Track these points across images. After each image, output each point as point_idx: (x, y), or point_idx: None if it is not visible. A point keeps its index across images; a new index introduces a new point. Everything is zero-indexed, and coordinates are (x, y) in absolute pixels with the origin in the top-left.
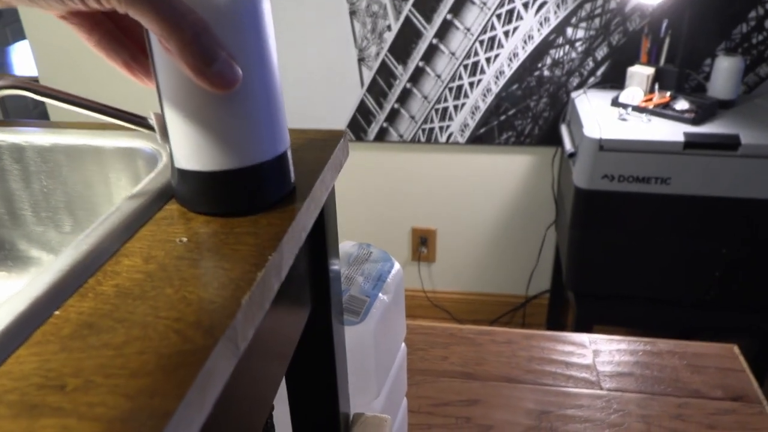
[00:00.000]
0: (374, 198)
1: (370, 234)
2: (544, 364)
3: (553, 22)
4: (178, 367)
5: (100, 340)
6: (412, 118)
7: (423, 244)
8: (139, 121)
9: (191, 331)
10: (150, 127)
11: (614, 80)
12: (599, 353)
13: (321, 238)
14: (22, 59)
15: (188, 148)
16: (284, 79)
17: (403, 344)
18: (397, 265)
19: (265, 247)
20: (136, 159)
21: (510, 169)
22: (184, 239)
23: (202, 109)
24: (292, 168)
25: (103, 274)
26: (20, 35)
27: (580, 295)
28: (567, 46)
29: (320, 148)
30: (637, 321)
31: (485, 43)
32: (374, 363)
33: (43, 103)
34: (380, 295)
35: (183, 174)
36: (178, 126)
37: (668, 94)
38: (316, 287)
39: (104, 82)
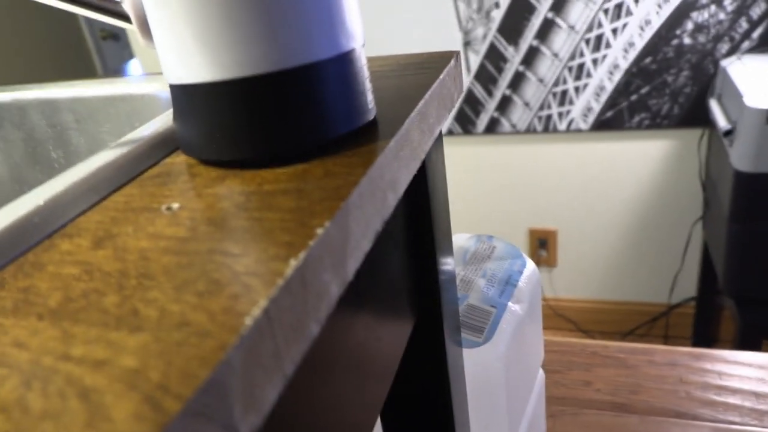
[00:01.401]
0: (486, 197)
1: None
2: (725, 394)
3: None
4: None
5: None
6: (527, 105)
7: (542, 246)
8: (107, 7)
9: (127, 404)
10: (124, 17)
11: None
12: None
13: (425, 214)
14: None
15: (183, 47)
16: None
17: (541, 370)
18: (530, 264)
19: (314, 213)
20: (145, 113)
21: (645, 156)
22: (175, 206)
23: None
24: (368, 85)
25: (17, 268)
26: None
27: (744, 303)
28: (713, 6)
29: (419, 74)
30: None
31: (610, 12)
32: (505, 396)
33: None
34: (511, 304)
35: (179, 94)
36: (164, 10)
37: None
38: (418, 292)
39: None
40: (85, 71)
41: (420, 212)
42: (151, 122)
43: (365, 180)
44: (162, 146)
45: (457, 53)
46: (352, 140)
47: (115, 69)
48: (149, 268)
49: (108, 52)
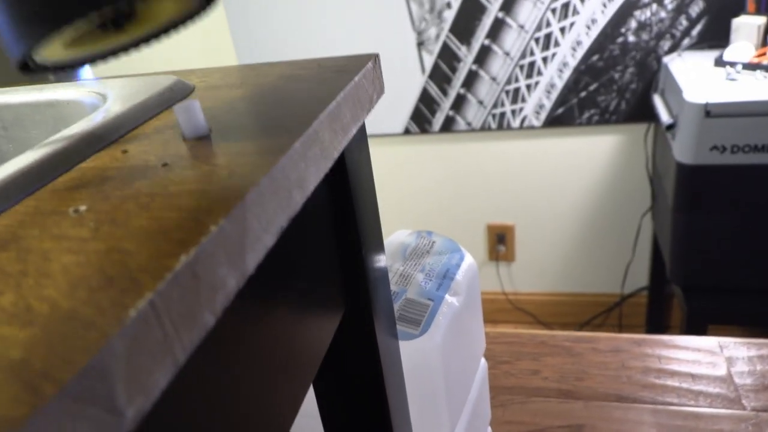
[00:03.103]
0: (443, 194)
1: (440, 233)
2: (664, 377)
3: None
4: None
5: None
6: (481, 103)
7: (500, 241)
8: None
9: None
10: None
11: (714, 39)
12: (735, 361)
13: (349, 209)
14: None
15: None
16: None
17: (483, 359)
18: (468, 257)
19: (211, 212)
20: (70, 118)
21: (595, 151)
22: (82, 208)
23: None
24: None
25: None
26: None
27: (690, 291)
28: (654, 5)
29: (336, 76)
30: (763, 318)
31: (558, 11)
32: (443, 385)
33: None
34: (448, 297)
35: None
36: None
37: None
38: (346, 284)
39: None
40: None
41: (344, 208)
42: (68, 128)
43: (266, 179)
44: (77, 152)
45: (376, 56)
46: (261, 139)
47: None
48: (49, 268)
49: None
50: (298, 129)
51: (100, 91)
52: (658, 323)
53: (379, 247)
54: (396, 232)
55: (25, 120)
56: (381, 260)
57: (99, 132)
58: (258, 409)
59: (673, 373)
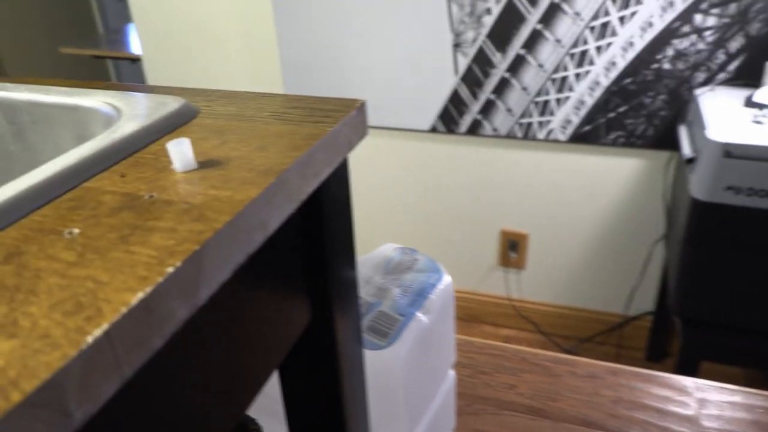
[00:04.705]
0: (462, 195)
1: (455, 234)
2: (633, 409)
3: (679, 6)
4: None
5: None
6: (509, 111)
7: (513, 248)
8: None
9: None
10: None
11: (750, 77)
12: (706, 404)
13: (319, 231)
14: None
15: None
16: (373, 64)
17: (452, 372)
18: (446, 279)
19: (174, 254)
20: (88, 122)
21: (616, 172)
22: (75, 231)
23: None
24: None
25: None
26: None
27: (689, 323)
28: (694, 36)
29: (320, 121)
30: (758, 360)
31: (596, 30)
32: (403, 397)
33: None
34: (418, 314)
35: None
36: None
37: None
38: (313, 293)
39: (206, 62)
40: (86, 30)
41: (315, 229)
42: (79, 148)
43: (226, 227)
44: (84, 171)
45: (363, 103)
46: (235, 182)
47: (115, 29)
48: (37, 286)
49: (110, 12)
50: (266, 177)
51: (115, 104)
52: (658, 349)
53: (348, 264)
54: (384, 245)
55: (52, 118)
56: (348, 276)
57: (106, 153)
58: (223, 381)
59: (643, 407)
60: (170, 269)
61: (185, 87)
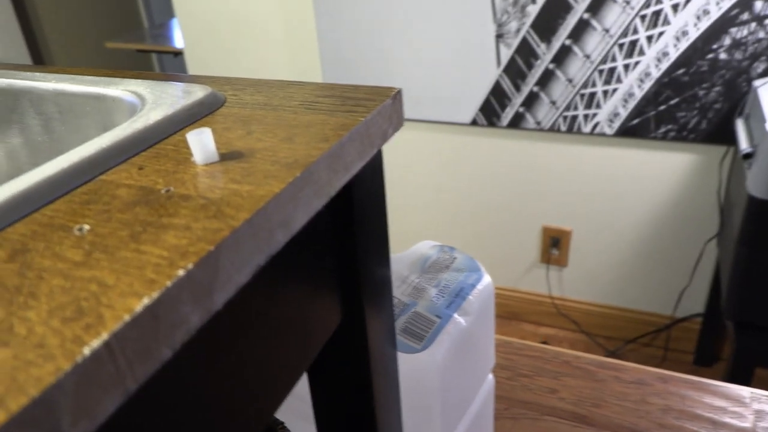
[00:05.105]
0: (503, 190)
1: (495, 229)
2: (684, 419)
3: None
4: None
5: None
6: (553, 103)
7: (554, 245)
8: None
9: None
10: None
11: None
12: (764, 416)
13: (351, 228)
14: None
15: None
16: (413, 57)
17: (491, 376)
18: (486, 279)
19: (186, 255)
20: (113, 111)
21: (666, 168)
22: (86, 227)
23: None
24: None
25: None
26: None
27: (742, 327)
28: (753, 24)
29: (351, 111)
30: None
31: (647, 19)
32: (439, 403)
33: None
34: (456, 316)
35: None
36: None
37: None
38: (344, 291)
39: (246, 54)
40: (132, 24)
41: (346, 226)
42: (98, 138)
43: (245, 225)
44: (101, 163)
45: (398, 91)
46: (257, 175)
47: (160, 23)
48: (39, 288)
49: (155, 7)
50: (291, 171)
51: (140, 92)
52: (707, 353)
53: (382, 262)
54: (420, 243)
55: (77, 108)
56: (382, 275)
57: (125, 144)
58: (249, 385)
59: (695, 417)
60: (181, 272)
61: (215, 76)
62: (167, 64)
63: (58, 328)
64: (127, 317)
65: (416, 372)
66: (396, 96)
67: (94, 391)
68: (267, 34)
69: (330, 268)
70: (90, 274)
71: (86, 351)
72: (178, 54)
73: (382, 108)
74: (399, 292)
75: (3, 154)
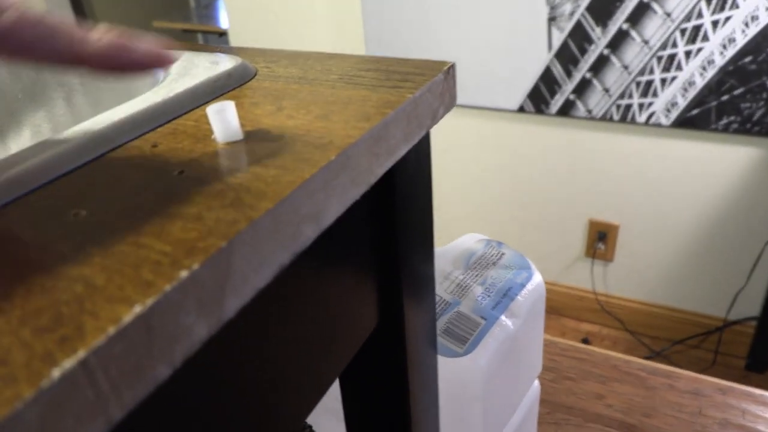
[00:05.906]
0: (549, 181)
1: (539, 220)
2: None
3: None
4: None
5: None
6: (606, 91)
7: (601, 239)
8: None
9: None
10: None
11: None
12: None
13: (390, 223)
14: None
15: None
16: (460, 39)
17: (537, 383)
18: (536, 278)
19: (192, 251)
20: (135, 83)
21: (726, 162)
22: (82, 213)
23: None
24: None
25: None
26: None
27: None
28: None
29: (397, 86)
30: None
31: (713, 2)
32: (481, 410)
33: None
34: (503, 318)
35: None
36: None
37: None
38: (382, 291)
39: (289, 36)
40: (179, 3)
41: (387, 216)
42: (110, 111)
43: (266, 216)
44: (113, 139)
45: (452, 65)
46: (285, 158)
47: (206, 4)
48: (16, 288)
49: None
50: (325, 153)
51: None
52: (761, 358)
53: (425, 258)
54: (465, 236)
55: (99, 79)
56: (425, 271)
57: (140, 119)
58: (280, 390)
59: None
60: (184, 273)
61: (249, 47)
62: (212, 44)
63: (28, 340)
64: (111, 330)
65: (457, 378)
66: (449, 71)
67: (66, 421)
68: (311, 13)
69: (367, 265)
70: (78, 271)
71: (55, 374)
72: (222, 34)
73: (433, 84)
74: (441, 289)
75: (29, 133)
